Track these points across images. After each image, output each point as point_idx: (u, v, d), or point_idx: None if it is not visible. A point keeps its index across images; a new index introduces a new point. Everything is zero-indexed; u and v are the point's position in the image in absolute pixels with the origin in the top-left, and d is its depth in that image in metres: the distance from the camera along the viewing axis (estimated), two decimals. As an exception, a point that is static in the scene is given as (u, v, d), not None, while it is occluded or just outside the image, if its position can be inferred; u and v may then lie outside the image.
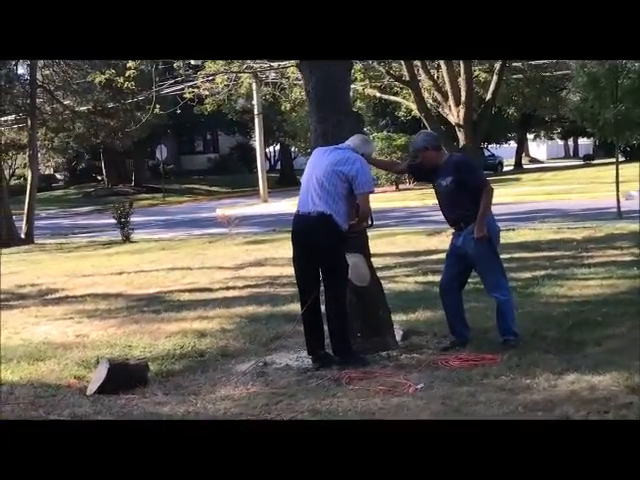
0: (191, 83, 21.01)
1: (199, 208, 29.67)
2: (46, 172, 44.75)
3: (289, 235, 6.01)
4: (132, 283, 10.61)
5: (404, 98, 18.52)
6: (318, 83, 6.00)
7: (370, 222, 5.94)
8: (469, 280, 6.26)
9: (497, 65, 15.80)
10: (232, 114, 25.33)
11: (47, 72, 22.55)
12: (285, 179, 41.39)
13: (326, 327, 5.78)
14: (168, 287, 10.02)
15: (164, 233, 19.49)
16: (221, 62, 18.82)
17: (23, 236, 19.61)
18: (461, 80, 14.83)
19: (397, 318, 6.65)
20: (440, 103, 15.52)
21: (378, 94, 18.84)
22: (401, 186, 30.62)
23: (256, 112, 29.27)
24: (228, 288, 9.58)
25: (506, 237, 10.80)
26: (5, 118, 25.13)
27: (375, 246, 7.41)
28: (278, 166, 48.11)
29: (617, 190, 15.46)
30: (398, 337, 6.16)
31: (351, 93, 6.97)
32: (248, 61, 19.67)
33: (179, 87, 22.38)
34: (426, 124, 14.78)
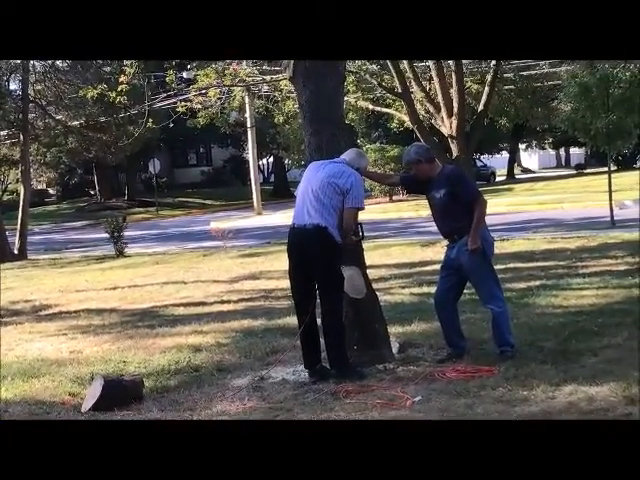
0: (184, 97, 21.01)
1: (193, 221, 29.64)
2: (39, 187, 44.71)
3: (284, 248, 6.00)
4: (126, 298, 10.57)
5: (396, 110, 18.56)
6: (312, 96, 6.00)
7: (361, 235, 5.93)
8: (465, 291, 6.25)
9: (489, 76, 15.85)
10: (225, 127, 25.34)
11: (39, 87, 22.52)
12: (279, 191, 41.44)
13: (323, 340, 5.76)
14: (162, 301, 9.98)
15: (158, 247, 19.44)
16: (213, 75, 18.84)
17: (16, 252, 19.52)
18: (453, 91, 14.87)
19: (393, 330, 6.63)
20: (432, 115, 15.55)
21: (371, 106, 18.88)
22: (395, 197, 30.65)
23: (249, 125, 29.31)
24: (223, 302, 9.56)
25: (500, 247, 10.81)
26: (-3, 134, 25.12)
27: (370, 258, 7.40)
28: (272, 178, 48.16)
29: (610, 199, 15.51)
30: (394, 349, 6.14)
31: (344, 105, 6.98)
32: (241, 74, 19.69)
33: (172, 101, 22.38)
34: (419, 135, 14.80)
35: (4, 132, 25.03)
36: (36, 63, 23.01)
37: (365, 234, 6.01)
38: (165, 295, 10.55)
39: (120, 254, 17.23)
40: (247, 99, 25.63)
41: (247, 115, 28.53)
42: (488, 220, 6.05)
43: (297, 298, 5.84)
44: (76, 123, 23.81)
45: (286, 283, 6.11)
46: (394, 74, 14.77)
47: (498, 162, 49.66)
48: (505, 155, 51.11)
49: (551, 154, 63.29)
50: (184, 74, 26.29)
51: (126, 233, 17.87)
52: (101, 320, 8.93)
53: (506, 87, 22.52)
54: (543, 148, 58.21)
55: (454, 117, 14.66)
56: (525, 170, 55.78)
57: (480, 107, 15.60)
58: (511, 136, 43.81)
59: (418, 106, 16.27)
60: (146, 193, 41.90)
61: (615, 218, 15.23)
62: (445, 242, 6.24)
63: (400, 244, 14.67)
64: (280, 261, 12.15)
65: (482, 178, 39.36)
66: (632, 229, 13.35)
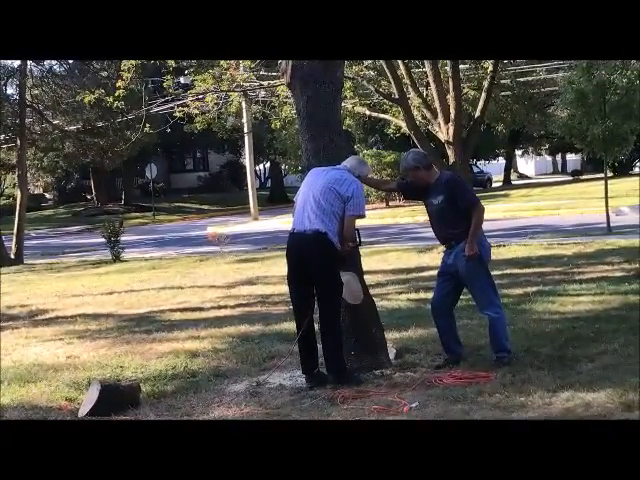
0: (181, 102, 21.00)
1: (189, 226, 29.62)
2: (35, 192, 44.66)
3: (280, 253, 6.02)
4: (123, 303, 10.56)
5: (393, 116, 18.57)
6: (309, 102, 6.02)
7: (359, 241, 5.94)
8: (461, 297, 6.26)
9: (485, 82, 15.88)
10: (222, 132, 25.34)
11: (36, 92, 22.58)
12: (275, 197, 41.42)
13: (320, 346, 5.76)
14: (159, 307, 9.97)
15: (154, 252, 19.43)
16: (211, 81, 18.84)
17: (12, 256, 19.48)
18: (450, 97, 14.89)
19: (390, 336, 6.63)
20: (429, 120, 15.57)
21: (367, 112, 18.88)
22: (391, 203, 30.67)
23: (246, 130, 29.30)
24: (220, 307, 9.55)
25: (497, 253, 10.83)
26: (-6, 138, 25.11)
27: (367, 263, 7.41)
28: (268, 184, 48.13)
29: (606, 205, 15.54)
30: (391, 355, 6.14)
31: (341, 111, 6.99)
32: (238, 79, 19.69)
33: (169, 106, 22.38)
34: (415, 141, 14.81)
35: (1, 136, 25.02)
36: (33, 68, 23.04)
37: (362, 240, 6.02)
38: (162, 300, 10.54)
39: (117, 259, 17.20)
40: (244, 104, 25.61)
41: (244, 120, 28.52)
42: (484, 226, 6.06)
43: (295, 303, 5.84)
44: (73, 128, 23.83)
45: (283, 288, 6.12)
46: (391, 80, 14.79)
47: (494, 168, 49.71)
48: (501, 161, 51.16)
49: (547, 160, 63.40)
50: (181, 79, 26.26)
51: (123, 238, 17.83)
52: (98, 325, 8.91)
53: (503, 93, 22.61)
54: (539, 154, 58.34)
55: (451, 123, 14.68)
56: (521, 176, 55.84)
57: (477, 113, 15.62)
58: (507, 142, 43.93)
59: (415, 112, 16.29)
60: (143, 198, 41.86)
61: (611, 224, 15.27)
62: (442, 248, 6.25)
63: (397, 250, 14.67)
64: (277, 266, 12.15)
65: (478, 184, 39.40)
66: (628, 235, 13.39)
